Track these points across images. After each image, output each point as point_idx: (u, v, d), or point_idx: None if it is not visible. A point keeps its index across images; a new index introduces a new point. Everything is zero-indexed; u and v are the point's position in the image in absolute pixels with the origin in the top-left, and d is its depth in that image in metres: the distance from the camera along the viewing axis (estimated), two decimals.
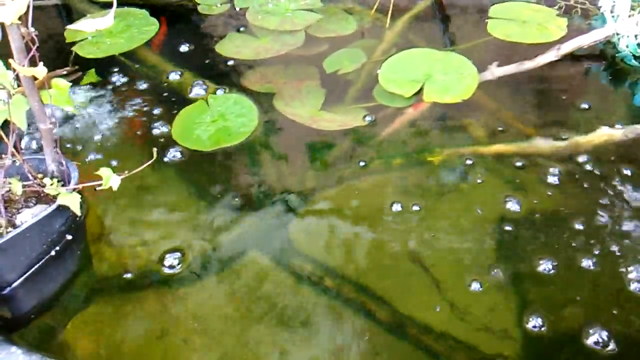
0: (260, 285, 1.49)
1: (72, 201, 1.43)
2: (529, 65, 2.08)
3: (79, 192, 1.51)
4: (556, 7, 2.34)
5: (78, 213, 1.45)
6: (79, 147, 1.89)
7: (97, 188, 1.42)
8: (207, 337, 1.39)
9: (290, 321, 1.41)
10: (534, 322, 1.36)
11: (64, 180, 1.53)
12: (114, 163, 1.81)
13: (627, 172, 1.69)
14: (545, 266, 1.47)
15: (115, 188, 1.38)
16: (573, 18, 2.28)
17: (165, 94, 2.09)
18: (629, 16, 2.01)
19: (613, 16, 2.05)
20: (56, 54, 2.31)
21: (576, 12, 2.32)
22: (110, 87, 2.13)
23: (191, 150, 1.86)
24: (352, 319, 1.41)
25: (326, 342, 1.36)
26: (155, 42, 2.36)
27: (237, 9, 2.51)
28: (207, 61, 2.25)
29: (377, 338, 1.37)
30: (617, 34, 2.05)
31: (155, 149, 1.48)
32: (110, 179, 1.37)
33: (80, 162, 1.79)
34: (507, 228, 1.57)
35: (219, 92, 2.08)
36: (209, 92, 2.07)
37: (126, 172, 1.45)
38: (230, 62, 2.24)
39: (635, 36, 2.00)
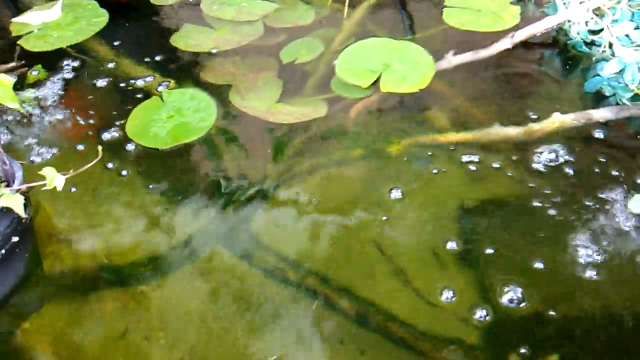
0: (223, 280, 1.48)
1: (16, 202, 1.37)
2: (484, 53, 2.09)
3: (26, 192, 1.46)
4: None
5: (22, 215, 1.40)
6: (26, 146, 1.81)
7: (43, 188, 1.37)
8: (170, 334, 1.37)
9: (254, 315, 1.40)
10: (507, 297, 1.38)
11: (8, 181, 1.47)
12: (63, 162, 1.74)
13: (579, 157, 1.73)
14: (503, 253, 1.49)
15: (60, 188, 1.33)
16: (526, 6, 2.31)
17: (118, 89, 2.03)
18: (580, 3, 2.05)
19: (564, 3, 2.08)
20: (1, 48, 2.21)
21: (529, 0, 2.35)
22: (58, 82, 2.05)
23: (148, 147, 1.81)
24: (317, 310, 1.40)
25: (291, 335, 1.36)
26: None
27: None
28: (161, 54, 2.18)
29: (342, 327, 1.36)
30: (569, 21, 2.08)
31: (100, 147, 1.43)
32: (54, 179, 1.32)
33: (26, 161, 1.73)
34: (467, 215, 1.59)
35: (164, 85, 2.02)
36: (166, 88, 2.02)
37: (71, 171, 1.40)
38: (186, 55, 2.19)
39: (586, 23, 2.04)
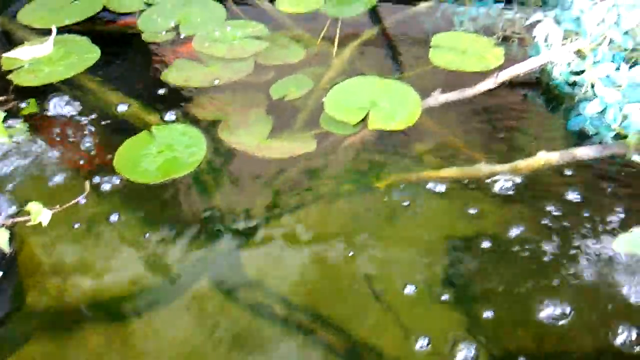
0: (211, 316, 1.45)
1: (0, 237, 1.35)
2: (469, 92, 2.14)
3: (11, 226, 1.44)
4: (494, 37, 2.43)
5: (6, 250, 1.38)
6: (15, 181, 1.80)
7: (27, 224, 1.35)
8: None
9: (242, 351, 1.38)
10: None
11: None
12: (51, 197, 1.73)
13: (567, 195, 1.75)
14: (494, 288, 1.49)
15: (45, 223, 1.32)
16: (510, 47, 2.38)
17: (108, 124, 2.03)
18: (562, 45, 2.11)
19: (547, 45, 2.15)
20: None
21: (513, 41, 2.42)
22: (48, 116, 2.05)
23: (136, 182, 1.80)
24: (305, 347, 1.38)
25: None
26: None
27: (183, 36, 2.49)
28: (152, 89, 2.20)
29: None
30: (551, 63, 2.14)
31: (87, 182, 1.43)
32: (39, 214, 1.30)
33: (14, 195, 1.71)
34: (454, 250, 1.59)
35: (168, 117, 2.04)
36: (155, 122, 2.03)
37: (57, 206, 1.39)
38: (176, 90, 2.21)
39: (568, 64, 2.10)
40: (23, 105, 2.09)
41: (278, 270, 1.57)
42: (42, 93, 2.14)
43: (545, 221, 1.67)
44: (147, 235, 1.66)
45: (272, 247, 1.63)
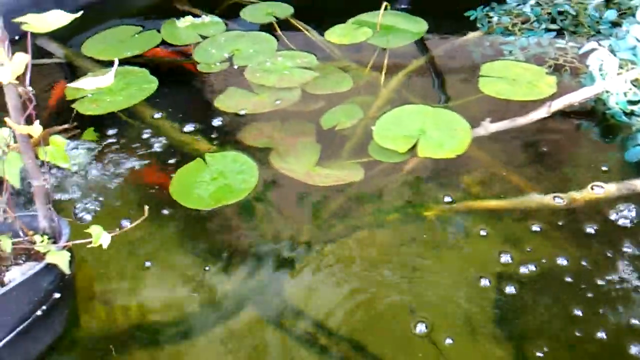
0: (255, 343, 1.46)
1: (62, 259, 1.41)
2: (521, 121, 2.11)
3: (70, 248, 1.50)
4: (545, 66, 2.40)
5: (67, 271, 1.43)
6: (72, 203, 1.88)
7: (88, 246, 1.41)
8: None
9: None
10: None
11: (55, 237, 1.52)
12: (109, 221, 1.80)
13: (626, 224, 1.68)
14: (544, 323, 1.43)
15: (105, 246, 1.37)
16: (562, 76, 2.34)
17: (163, 151, 2.11)
18: (618, 74, 2.06)
19: (602, 74, 2.10)
20: (57, 110, 2.35)
21: (565, 70, 2.38)
22: (108, 144, 2.15)
23: (189, 208, 1.85)
24: None
25: None
26: (53, 99, 2.39)
27: (236, 67, 2.58)
28: (205, 118, 2.28)
29: None
30: (607, 92, 2.09)
31: (147, 207, 1.48)
32: (100, 237, 1.36)
33: (74, 219, 1.79)
34: (504, 284, 1.55)
35: (220, 144, 2.10)
36: (208, 150, 2.09)
37: (117, 229, 1.45)
38: (228, 118, 2.27)
39: (625, 93, 2.04)
40: (84, 132, 2.20)
41: (321, 299, 1.56)
42: (103, 121, 2.25)
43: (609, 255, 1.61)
44: (197, 261, 1.69)
45: (317, 275, 1.63)
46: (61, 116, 2.28)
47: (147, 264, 1.68)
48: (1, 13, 1.27)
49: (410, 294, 1.55)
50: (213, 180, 1.96)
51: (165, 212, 1.85)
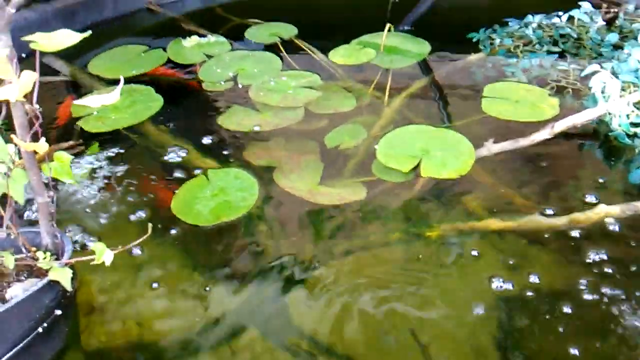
0: None
1: (64, 276, 1.41)
2: (523, 142, 2.12)
3: (72, 265, 1.50)
4: (548, 88, 2.42)
5: (69, 288, 1.43)
6: (77, 221, 1.89)
7: (91, 263, 1.41)
8: None
9: None
10: None
11: (58, 254, 1.52)
12: (110, 238, 1.80)
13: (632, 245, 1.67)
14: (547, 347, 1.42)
15: (108, 263, 1.36)
16: (564, 98, 2.35)
17: (167, 168, 2.12)
18: (620, 96, 2.07)
19: (604, 96, 2.11)
20: (63, 128, 2.37)
21: (567, 92, 2.40)
22: (111, 161, 2.16)
23: (190, 225, 1.85)
24: None
25: None
26: (62, 114, 2.42)
27: (240, 86, 2.60)
28: (208, 135, 2.29)
29: None
30: (610, 114, 2.10)
31: (150, 224, 1.48)
32: (103, 254, 1.36)
33: (77, 234, 1.79)
34: (505, 305, 1.54)
35: (223, 161, 2.11)
36: (211, 166, 2.10)
37: (120, 247, 1.44)
38: (231, 136, 2.29)
39: (627, 116, 2.05)
40: (89, 151, 2.21)
41: (323, 318, 1.55)
42: (108, 139, 2.26)
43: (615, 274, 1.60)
44: (197, 278, 1.69)
45: (318, 294, 1.62)
46: (68, 133, 2.30)
47: (148, 279, 1.67)
48: (9, 31, 1.28)
49: (412, 314, 1.53)
50: (214, 196, 1.96)
51: (165, 228, 1.84)
